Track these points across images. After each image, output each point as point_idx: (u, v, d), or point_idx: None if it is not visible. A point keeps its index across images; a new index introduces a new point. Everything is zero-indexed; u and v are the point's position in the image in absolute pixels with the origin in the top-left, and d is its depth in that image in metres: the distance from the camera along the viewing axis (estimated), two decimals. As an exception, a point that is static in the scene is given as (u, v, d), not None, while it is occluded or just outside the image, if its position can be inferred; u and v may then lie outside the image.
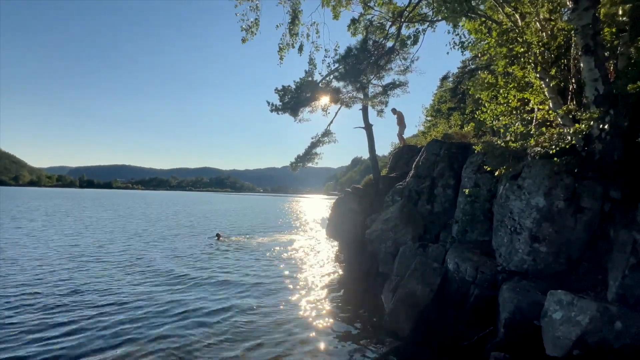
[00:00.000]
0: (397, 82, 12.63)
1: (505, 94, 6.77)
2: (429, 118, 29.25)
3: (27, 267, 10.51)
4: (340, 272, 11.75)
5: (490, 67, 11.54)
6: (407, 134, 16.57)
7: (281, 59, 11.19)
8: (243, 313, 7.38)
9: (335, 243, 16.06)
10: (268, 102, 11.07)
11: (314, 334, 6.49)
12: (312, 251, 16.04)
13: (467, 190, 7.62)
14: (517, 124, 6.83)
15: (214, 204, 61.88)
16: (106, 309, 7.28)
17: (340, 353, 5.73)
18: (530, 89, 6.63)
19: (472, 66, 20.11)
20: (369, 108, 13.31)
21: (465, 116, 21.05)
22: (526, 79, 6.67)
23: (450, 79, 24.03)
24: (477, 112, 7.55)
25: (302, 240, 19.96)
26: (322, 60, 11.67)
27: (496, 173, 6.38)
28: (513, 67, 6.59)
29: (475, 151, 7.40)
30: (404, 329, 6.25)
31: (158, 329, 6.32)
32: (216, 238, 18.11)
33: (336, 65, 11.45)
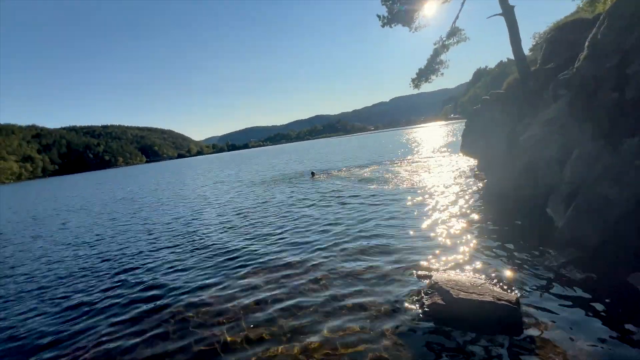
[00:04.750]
0: None
1: None
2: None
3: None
4: (482, 189, 10.66)
5: None
6: (561, 14, 12.03)
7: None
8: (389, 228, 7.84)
9: (472, 161, 14.53)
10: (379, 16, 9.94)
11: (471, 246, 6.29)
12: (442, 172, 15.06)
13: (703, 48, 5.07)
14: None
15: (332, 147, 65.50)
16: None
17: (509, 265, 5.38)
18: None
19: None
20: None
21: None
22: None
23: None
24: None
25: (429, 163, 18.98)
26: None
27: None
28: None
29: None
30: (590, 238, 5.22)
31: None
32: (311, 176, 19.58)
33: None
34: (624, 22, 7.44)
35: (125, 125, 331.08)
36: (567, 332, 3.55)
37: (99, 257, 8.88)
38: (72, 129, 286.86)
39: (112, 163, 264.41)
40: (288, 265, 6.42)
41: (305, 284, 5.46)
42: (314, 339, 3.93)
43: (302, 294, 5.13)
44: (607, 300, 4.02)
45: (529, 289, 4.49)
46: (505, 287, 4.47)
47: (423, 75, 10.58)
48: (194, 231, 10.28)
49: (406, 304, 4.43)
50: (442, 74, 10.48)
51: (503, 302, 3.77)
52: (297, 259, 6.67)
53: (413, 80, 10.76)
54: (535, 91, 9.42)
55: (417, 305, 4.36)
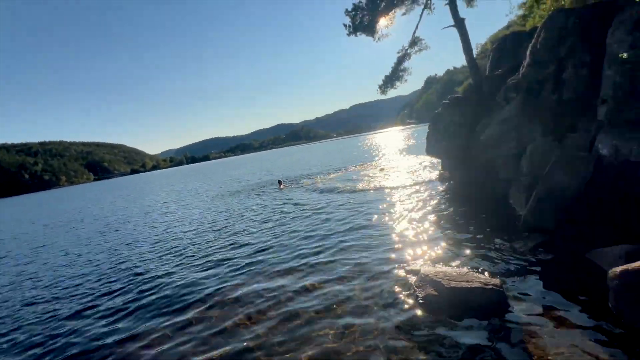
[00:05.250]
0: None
1: None
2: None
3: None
4: (448, 187, 11.42)
5: None
6: (493, 28, 13.59)
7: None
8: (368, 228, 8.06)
9: (437, 161, 15.46)
10: (345, 25, 10.35)
11: (447, 239, 6.69)
12: (409, 173, 15.86)
13: (624, 55, 6.02)
14: None
15: (298, 155, 65.63)
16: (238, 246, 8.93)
17: (484, 253, 5.81)
18: None
19: None
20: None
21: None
22: None
23: None
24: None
25: (395, 166, 19.85)
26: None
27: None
28: None
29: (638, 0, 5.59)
30: (550, 223, 5.86)
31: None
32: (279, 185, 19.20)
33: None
34: (557, 34, 8.54)
35: (68, 141, 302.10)
36: (545, 307, 3.94)
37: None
38: (3, 147, 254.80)
39: (53, 183, 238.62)
40: (278, 274, 6.31)
41: (299, 290, 5.41)
42: (316, 335, 3.91)
43: (297, 302, 5.08)
44: (572, 275, 4.54)
45: (507, 273, 4.90)
46: (487, 273, 4.83)
47: (389, 82, 11.18)
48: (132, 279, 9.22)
49: (401, 298, 4.60)
50: (406, 80, 11.18)
51: (490, 286, 4.08)
52: (285, 269, 6.58)
53: (380, 86, 11.32)
54: (489, 95, 10.37)
55: (412, 298, 4.54)
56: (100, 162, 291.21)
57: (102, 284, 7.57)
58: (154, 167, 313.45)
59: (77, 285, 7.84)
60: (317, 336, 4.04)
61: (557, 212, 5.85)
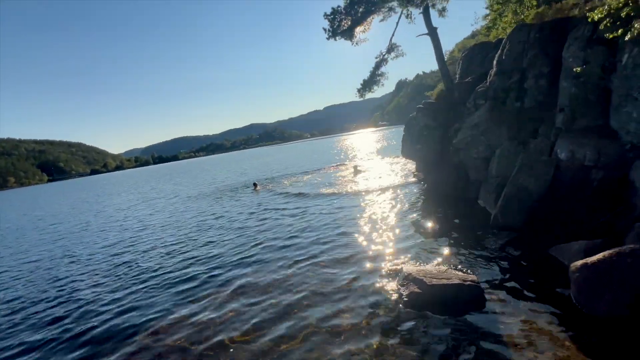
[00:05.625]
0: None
1: None
2: (490, 10, 24.56)
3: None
4: (423, 188, 11.94)
5: None
6: (460, 36, 14.47)
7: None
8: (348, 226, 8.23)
9: (411, 163, 16.03)
10: (324, 29, 10.48)
11: (424, 239, 7.02)
12: (384, 175, 16.32)
13: (578, 69, 6.67)
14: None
15: (273, 156, 64.96)
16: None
17: (459, 251, 6.16)
18: None
19: None
20: (430, 9, 11.76)
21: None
22: None
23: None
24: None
25: (371, 167, 20.31)
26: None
27: (627, 37, 5.38)
28: None
29: (590, 19, 6.22)
30: (517, 221, 6.36)
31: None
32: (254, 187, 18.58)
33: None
34: (520, 47, 9.25)
35: (17, 138, 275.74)
36: (515, 299, 4.29)
37: None
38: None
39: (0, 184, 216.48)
40: (266, 281, 6.26)
41: (283, 291, 5.42)
42: (307, 331, 3.96)
43: (282, 300, 5.09)
44: (538, 269, 4.97)
45: (481, 269, 5.26)
46: (464, 270, 5.15)
47: (367, 85, 11.49)
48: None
49: (387, 296, 4.78)
50: (382, 84, 11.57)
51: (469, 282, 4.37)
52: (271, 275, 6.55)
53: (359, 90, 11.60)
54: (460, 100, 10.98)
55: (397, 295, 4.74)
56: (55, 162, 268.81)
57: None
58: (118, 168, 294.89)
59: None
60: (303, 335, 4.08)
61: (524, 211, 6.36)
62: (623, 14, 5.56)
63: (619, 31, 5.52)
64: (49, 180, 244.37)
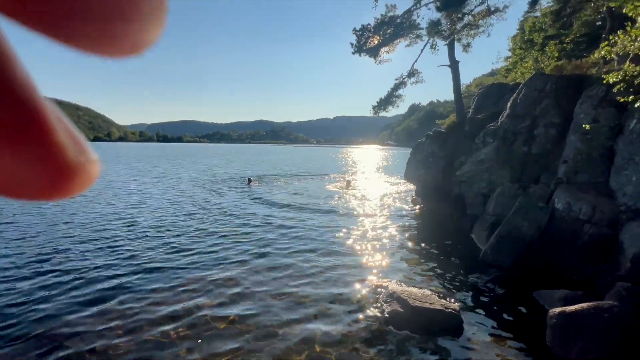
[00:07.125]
0: (493, 8, 11.08)
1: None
2: (513, 53, 25.10)
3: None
4: (419, 213, 12.10)
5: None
6: (478, 72, 14.85)
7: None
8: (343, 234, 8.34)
9: (411, 187, 16.19)
10: (351, 44, 10.79)
11: (413, 262, 7.15)
12: (383, 195, 16.48)
13: (587, 126, 6.93)
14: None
15: (278, 154, 65.21)
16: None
17: (446, 279, 6.30)
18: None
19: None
20: (455, 43, 12.13)
21: (566, 45, 17.78)
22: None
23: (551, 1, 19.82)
24: (610, 36, 6.48)
25: (372, 185, 20.51)
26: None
27: (637, 104, 5.64)
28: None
29: (605, 81, 6.50)
30: (506, 261, 6.51)
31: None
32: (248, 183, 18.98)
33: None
34: (536, 94, 9.55)
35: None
36: (493, 334, 4.42)
37: None
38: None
39: None
40: (250, 289, 6.37)
41: (267, 304, 5.52)
42: (283, 345, 4.07)
43: (265, 314, 5.20)
44: (519, 310, 5.11)
45: (464, 300, 5.38)
46: (447, 298, 5.28)
47: (383, 104, 11.77)
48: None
49: (368, 311, 4.89)
50: (397, 105, 11.82)
51: (450, 310, 4.50)
52: (253, 280, 6.65)
53: (374, 107, 11.86)
54: (469, 134, 11.24)
55: (378, 311, 4.85)
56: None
57: None
58: (121, 139, 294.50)
59: None
60: (283, 348, 4.12)
61: (514, 252, 6.53)
62: (637, 82, 5.83)
63: (630, 97, 5.77)
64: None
